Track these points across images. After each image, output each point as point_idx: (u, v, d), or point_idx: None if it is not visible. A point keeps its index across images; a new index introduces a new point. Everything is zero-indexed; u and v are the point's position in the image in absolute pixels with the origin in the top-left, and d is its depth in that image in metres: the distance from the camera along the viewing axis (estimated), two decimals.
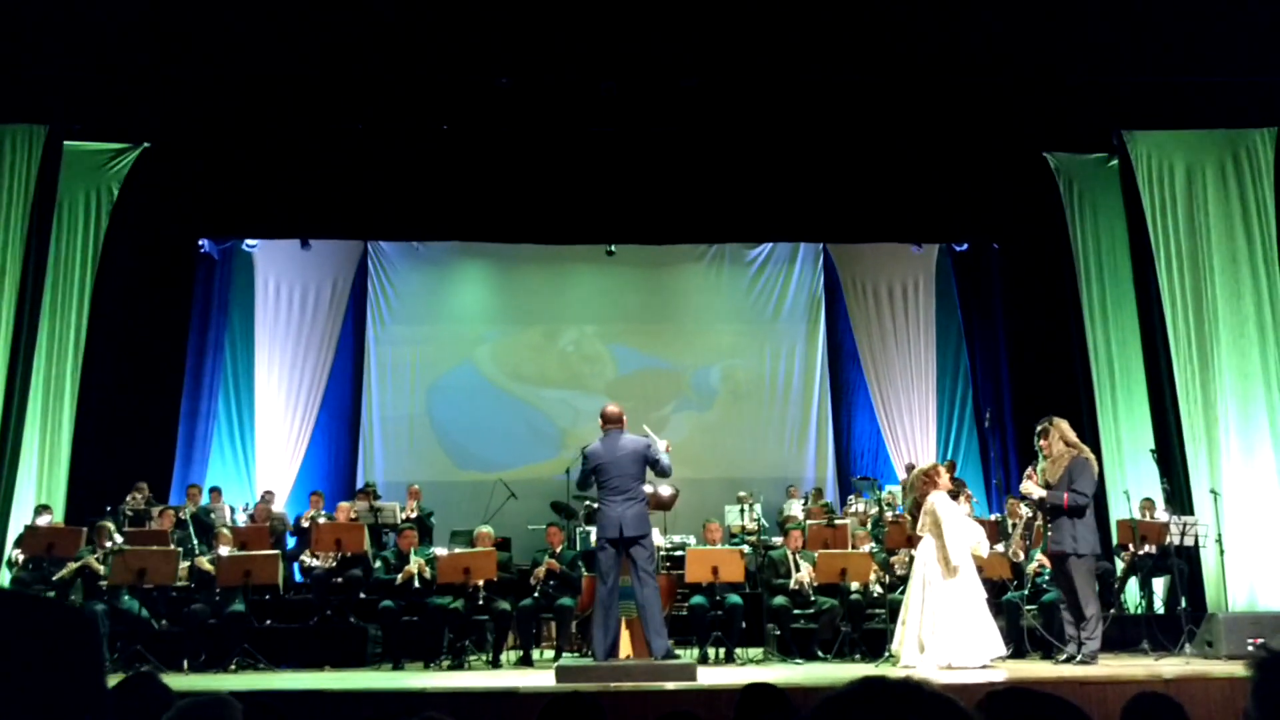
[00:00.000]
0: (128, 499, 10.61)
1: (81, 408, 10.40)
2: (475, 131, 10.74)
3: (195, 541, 10.11)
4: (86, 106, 10.19)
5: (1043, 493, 7.81)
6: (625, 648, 7.76)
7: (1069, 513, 7.74)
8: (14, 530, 9.55)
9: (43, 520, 9.54)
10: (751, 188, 11.52)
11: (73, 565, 8.99)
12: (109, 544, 9.09)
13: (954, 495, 8.26)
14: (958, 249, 13.87)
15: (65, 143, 10.27)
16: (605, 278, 14.52)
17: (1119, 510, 9.96)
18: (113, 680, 3.25)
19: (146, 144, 10.78)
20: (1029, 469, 8.14)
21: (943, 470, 8.28)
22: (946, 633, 7.52)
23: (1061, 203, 11.08)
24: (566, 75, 9.94)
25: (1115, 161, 10.66)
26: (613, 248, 13.47)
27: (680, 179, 11.28)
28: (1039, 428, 8.07)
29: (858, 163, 11.32)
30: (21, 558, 9.31)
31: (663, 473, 7.46)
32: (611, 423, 7.47)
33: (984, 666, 7.39)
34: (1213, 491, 9.43)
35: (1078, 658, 7.63)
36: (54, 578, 9.01)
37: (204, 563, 9.07)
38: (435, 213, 11.78)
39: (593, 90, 9.97)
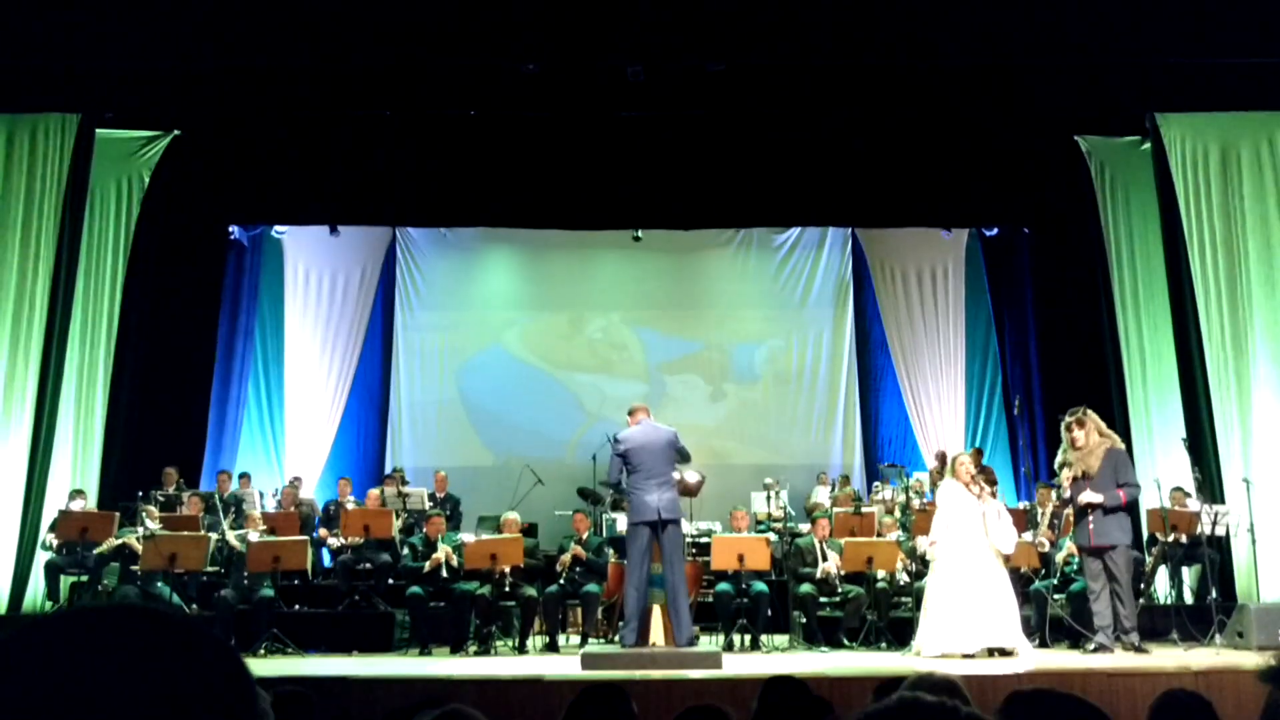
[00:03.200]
0: (162, 486, 10.73)
1: (114, 394, 10.53)
2: (502, 117, 10.74)
3: (224, 523, 10.21)
4: (118, 95, 10.28)
5: (1099, 498, 7.73)
6: (654, 633, 7.79)
7: (1125, 508, 7.76)
8: (48, 514, 9.69)
9: (76, 505, 9.67)
10: (779, 172, 11.46)
11: (114, 541, 9.12)
12: (144, 528, 9.19)
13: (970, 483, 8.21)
14: (988, 234, 13.74)
15: (97, 131, 10.37)
16: (632, 263, 14.48)
17: (1150, 499, 9.87)
18: None
19: (177, 132, 10.88)
20: (1064, 472, 7.98)
21: (964, 460, 8.23)
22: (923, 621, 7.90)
23: (1093, 187, 10.95)
24: (593, 60, 9.90)
25: (1148, 145, 10.51)
26: (640, 233, 13.43)
27: (707, 164, 11.23)
28: (1072, 418, 7.97)
29: (886, 146, 11.22)
30: (56, 542, 9.45)
31: (686, 458, 7.76)
32: (640, 411, 7.82)
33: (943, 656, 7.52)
34: (1245, 480, 9.31)
35: (1137, 646, 7.63)
36: (95, 550, 9.15)
37: (234, 539, 9.16)
38: (463, 199, 11.80)
39: (619, 75, 9.93)
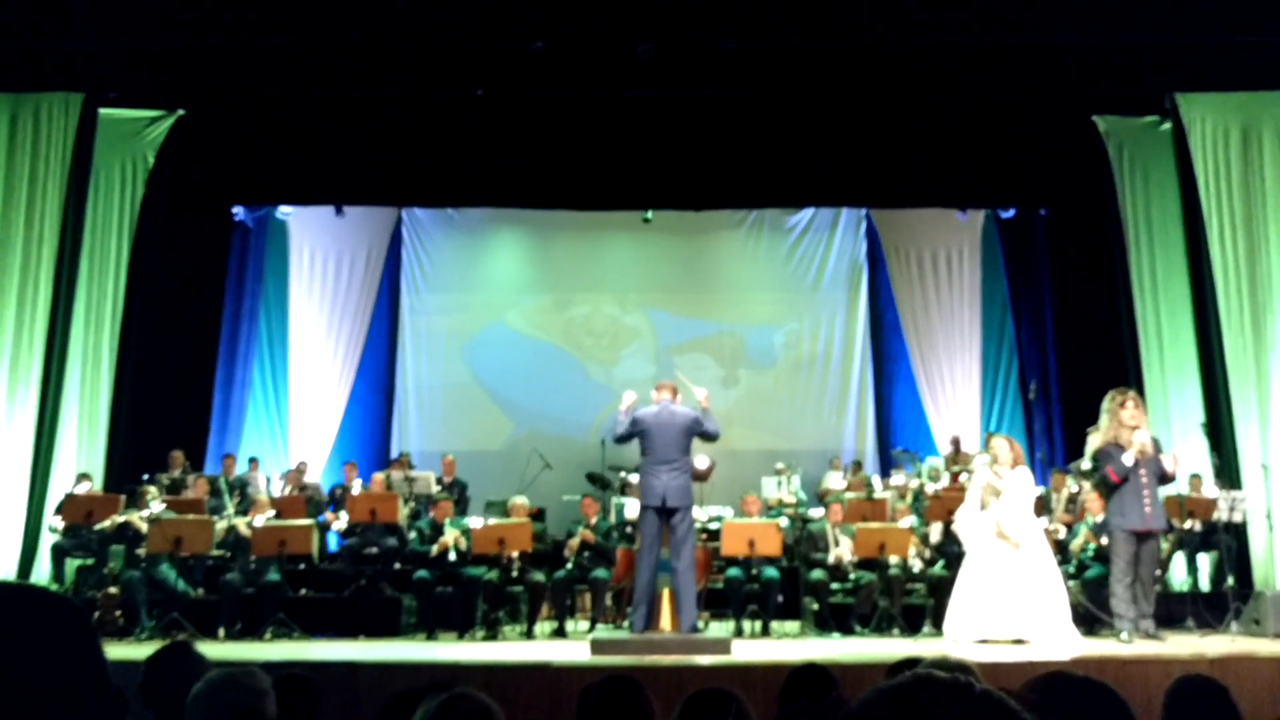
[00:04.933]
0: (168, 469, 10.68)
1: (119, 376, 10.46)
2: (510, 97, 10.61)
3: (230, 506, 10.15)
4: (121, 74, 10.17)
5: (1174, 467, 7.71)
6: (662, 619, 7.72)
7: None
8: (53, 498, 9.65)
9: (82, 488, 9.63)
10: (792, 152, 11.32)
11: (116, 519, 9.07)
12: (149, 510, 9.13)
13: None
14: (1004, 215, 13.59)
15: (100, 110, 10.29)
16: (642, 245, 14.36)
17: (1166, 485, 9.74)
18: (150, 649, 3.25)
19: (181, 111, 10.78)
20: (1137, 441, 7.68)
21: (997, 442, 8.16)
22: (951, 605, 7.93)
23: (1111, 168, 10.79)
24: (602, 38, 9.76)
25: (1167, 125, 10.35)
26: (650, 214, 13.33)
27: (719, 143, 11.10)
28: (1131, 395, 7.85)
29: (901, 126, 11.07)
30: (61, 525, 9.41)
31: (712, 437, 7.61)
32: (665, 390, 7.69)
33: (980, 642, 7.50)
34: (1264, 466, 9.20)
35: (1154, 633, 7.54)
36: (95, 527, 9.10)
37: (242, 525, 9.10)
38: (470, 179, 11.70)
39: (629, 53, 9.78)
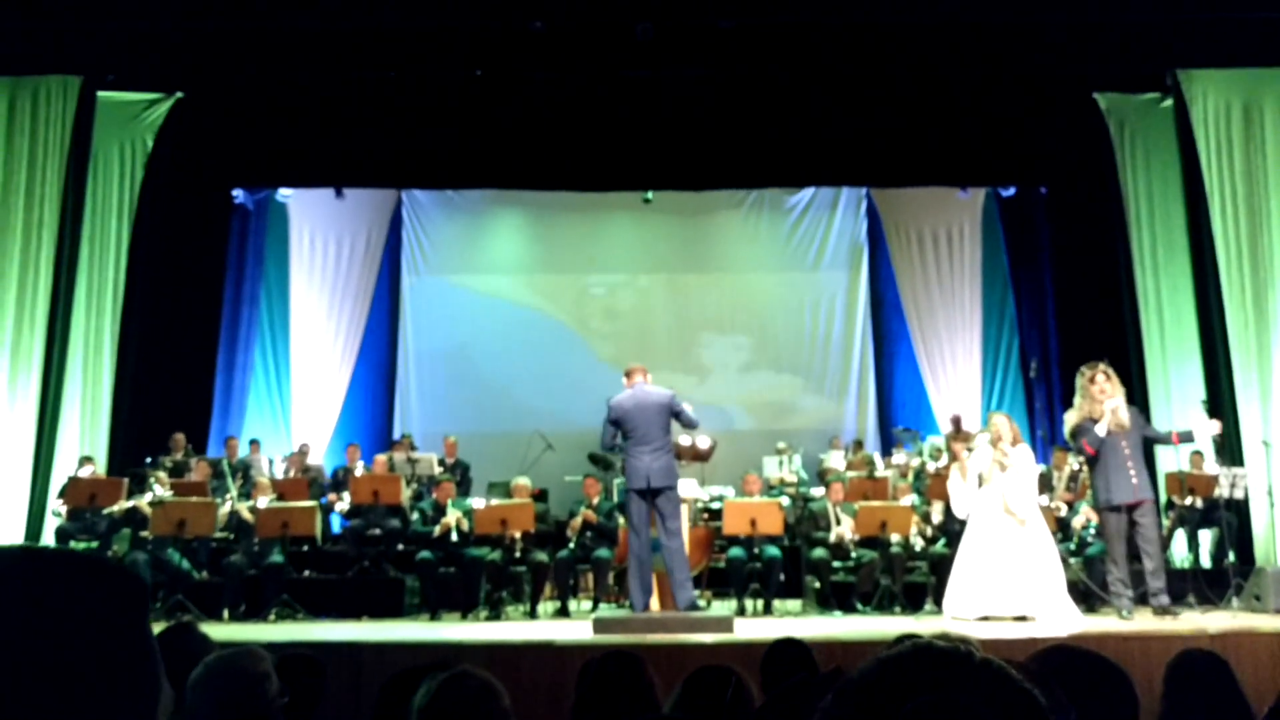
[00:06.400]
0: (171, 452, 10.70)
1: (120, 360, 10.45)
2: (509, 77, 10.56)
3: (233, 489, 10.16)
4: (120, 56, 10.12)
5: (1217, 426, 7.84)
6: (657, 601, 7.74)
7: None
8: (56, 482, 9.67)
9: (85, 472, 9.64)
10: (792, 131, 11.28)
11: (124, 504, 9.09)
12: (152, 494, 9.16)
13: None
14: (1004, 194, 13.55)
15: (99, 93, 10.23)
16: (642, 225, 14.33)
17: (1168, 462, 9.74)
18: (155, 630, 3.25)
19: (180, 94, 10.72)
20: (1109, 415, 7.73)
21: (997, 420, 8.17)
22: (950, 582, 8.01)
23: (1112, 145, 10.72)
24: (601, 18, 9.71)
25: (1169, 102, 10.29)
26: (650, 195, 13.29)
27: (718, 123, 11.05)
28: (1101, 369, 7.87)
29: (901, 104, 11.01)
30: (65, 509, 9.43)
31: (688, 424, 7.52)
32: (636, 373, 7.59)
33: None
34: (1265, 443, 9.19)
35: (1168, 607, 7.57)
36: (104, 511, 9.12)
37: (244, 510, 9.12)
38: (469, 160, 11.66)
39: (628, 33, 9.73)
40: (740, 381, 14.20)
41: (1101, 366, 7.91)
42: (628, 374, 7.65)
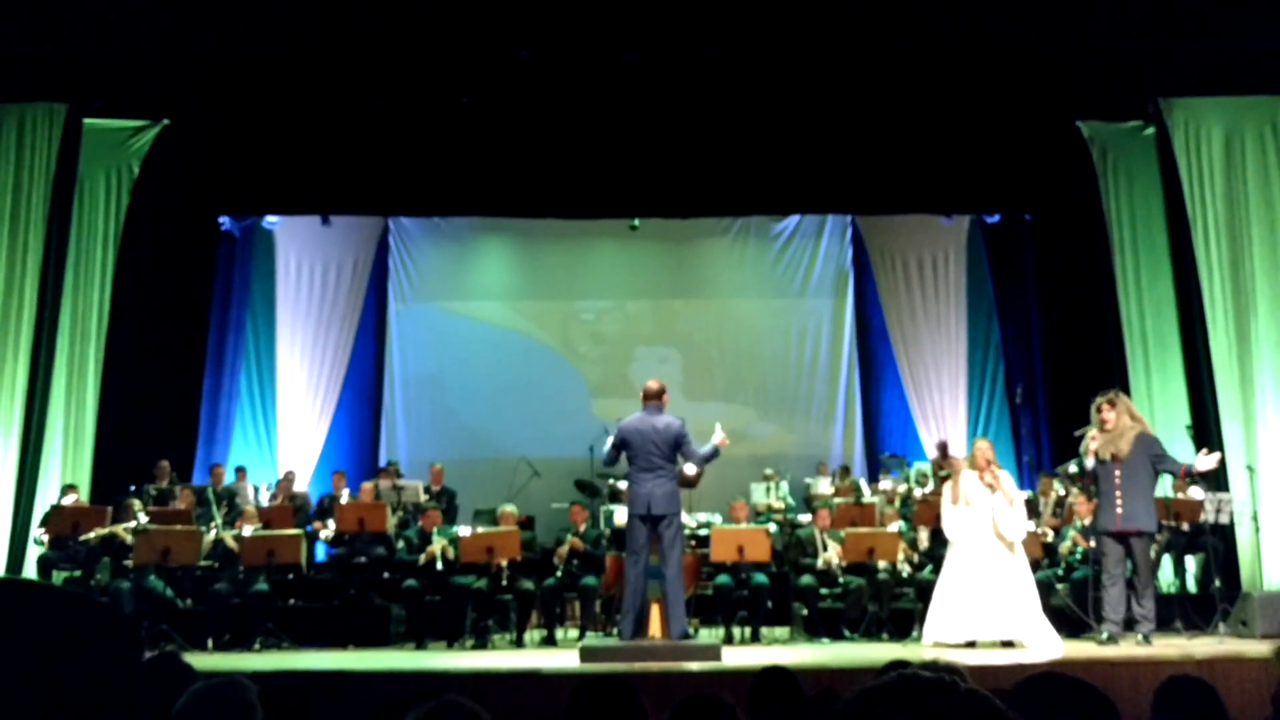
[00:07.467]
0: (155, 480, 10.63)
1: (105, 387, 10.40)
2: (496, 105, 10.61)
3: (218, 517, 10.10)
4: (106, 84, 10.13)
5: (1213, 462, 7.68)
6: (652, 626, 7.70)
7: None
8: (39, 510, 9.59)
9: (68, 500, 9.57)
10: (777, 159, 11.36)
11: (101, 531, 9.02)
12: (134, 522, 9.10)
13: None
14: (989, 220, 13.62)
15: (85, 121, 10.23)
16: (629, 252, 14.34)
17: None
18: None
19: (166, 121, 10.72)
20: (1091, 444, 7.76)
21: (981, 446, 8.21)
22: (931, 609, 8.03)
23: (1095, 173, 10.81)
24: (588, 46, 9.77)
25: (1151, 129, 10.39)
26: (636, 222, 13.32)
27: (705, 151, 11.13)
28: (1104, 398, 7.85)
29: (886, 132, 11.11)
30: (47, 537, 9.35)
31: (689, 457, 7.46)
32: (651, 399, 7.45)
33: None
34: (1249, 467, 9.23)
35: (1143, 636, 7.52)
36: (81, 539, 9.05)
37: (229, 539, 9.06)
38: (456, 188, 11.71)
39: (614, 61, 9.80)
40: (726, 407, 14.18)
41: (1110, 395, 7.91)
42: (644, 396, 7.51)
